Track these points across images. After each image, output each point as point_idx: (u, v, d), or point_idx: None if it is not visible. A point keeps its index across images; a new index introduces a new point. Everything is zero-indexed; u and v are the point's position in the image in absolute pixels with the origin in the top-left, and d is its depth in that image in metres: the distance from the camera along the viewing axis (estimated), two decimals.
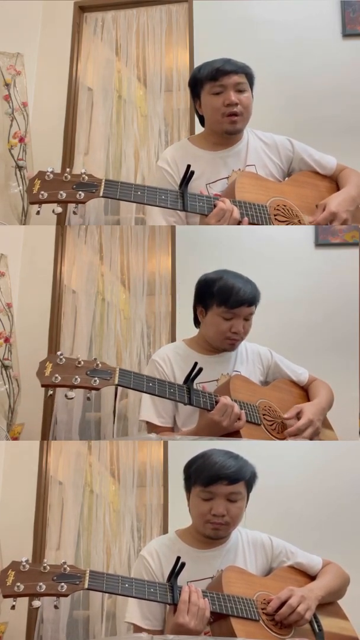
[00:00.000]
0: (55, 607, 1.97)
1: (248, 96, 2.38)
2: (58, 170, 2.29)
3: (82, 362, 2.15)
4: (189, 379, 2.22)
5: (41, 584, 1.92)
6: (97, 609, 2.74)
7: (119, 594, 2.02)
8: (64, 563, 1.96)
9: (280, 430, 2.31)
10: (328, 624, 2.16)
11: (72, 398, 2.17)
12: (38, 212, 2.27)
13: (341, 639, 2.18)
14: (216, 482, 2.12)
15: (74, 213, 2.34)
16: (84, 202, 2.27)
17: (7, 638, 2.64)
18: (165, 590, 2.02)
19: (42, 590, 1.92)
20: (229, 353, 2.39)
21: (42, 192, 2.25)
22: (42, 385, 2.13)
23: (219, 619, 2.04)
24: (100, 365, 2.16)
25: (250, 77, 2.39)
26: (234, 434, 2.22)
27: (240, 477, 2.14)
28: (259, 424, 2.27)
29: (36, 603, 1.97)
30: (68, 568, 1.95)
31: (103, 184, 2.28)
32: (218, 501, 2.12)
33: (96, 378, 2.13)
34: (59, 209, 2.28)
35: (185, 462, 2.20)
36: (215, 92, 2.36)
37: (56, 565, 1.96)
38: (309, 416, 2.30)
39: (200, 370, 2.22)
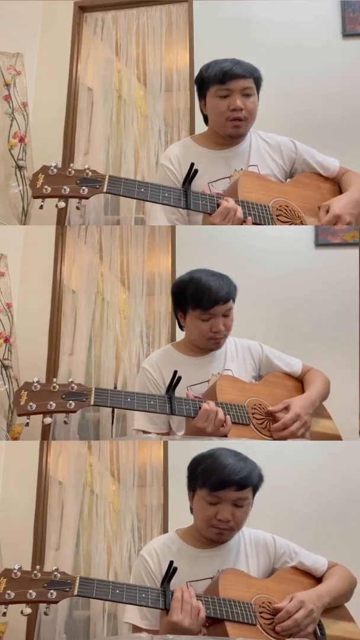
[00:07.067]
0: (45, 613, 2.01)
1: (254, 101, 2.37)
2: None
3: (57, 387, 2.15)
4: (170, 387, 2.22)
5: (31, 591, 1.95)
6: (98, 609, 2.74)
7: (109, 600, 2.03)
8: (55, 569, 1.98)
9: (271, 427, 2.30)
10: (332, 627, 2.12)
11: (49, 424, 2.17)
12: (41, 207, 2.28)
13: None
14: (225, 488, 2.08)
15: (77, 208, 2.33)
16: (87, 198, 2.27)
17: (7, 638, 2.64)
18: (157, 596, 2.01)
19: (32, 598, 1.95)
20: (218, 352, 2.38)
21: (46, 187, 2.25)
22: (19, 415, 2.14)
23: (214, 623, 2.01)
24: (75, 387, 2.16)
25: (257, 81, 2.38)
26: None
27: (249, 482, 2.10)
28: (247, 424, 2.26)
29: (27, 610, 1.99)
30: (59, 575, 1.97)
31: (107, 180, 2.29)
32: (224, 506, 2.09)
33: (71, 401, 2.14)
34: (62, 204, 2.28)
35: (190, 460, 2.17)
36: (221, 95, 2.35)
37: (47, 572, 1.98)
38: (296, 410, 2.28)
39: (179, 379, 2.21)
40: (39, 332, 2.98)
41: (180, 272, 2.99)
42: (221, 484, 2.08)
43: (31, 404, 2.11)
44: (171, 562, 2.03)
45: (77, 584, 1.98)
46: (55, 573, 1.97)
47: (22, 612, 1.98)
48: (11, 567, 2.00)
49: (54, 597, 1.95)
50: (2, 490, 2.86)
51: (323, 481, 2.83)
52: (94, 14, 3.22)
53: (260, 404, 2.31)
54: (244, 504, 2.11)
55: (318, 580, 2.19)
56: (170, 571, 2.02)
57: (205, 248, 2.92)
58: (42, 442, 2.87)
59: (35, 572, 1.97)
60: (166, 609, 1.99)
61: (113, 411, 2.91)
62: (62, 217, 3.00)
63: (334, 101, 3.05)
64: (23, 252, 3.06)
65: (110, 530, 2.83)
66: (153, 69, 3.15)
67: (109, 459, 2.92)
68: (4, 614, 1.95)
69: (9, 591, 1.94)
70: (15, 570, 1.97)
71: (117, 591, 1.99)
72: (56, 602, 1.97)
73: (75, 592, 1.97)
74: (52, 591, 1.95)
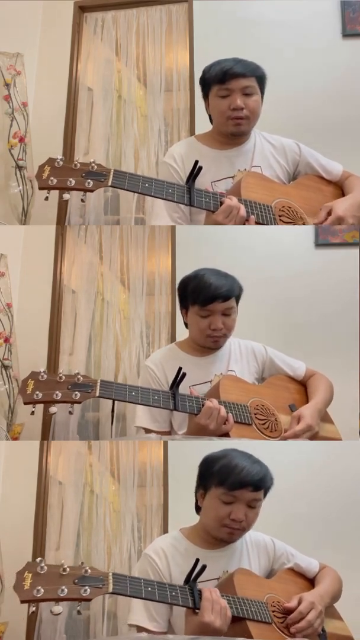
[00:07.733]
0: (78, 612, 1.84)
1: (256, 99, 2.37)
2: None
3: (64, 377, 2.17)
4: (174, 384, 2.23)
5: (63, 587, 1.79)
6: (98, 608, 2.74)
7: (142, 598, 1.95)
8: (83, 563, 1.86)
9: (273, 428, 2.31)
10: (328, 625, 2.16)
11: (54, 413, 2.18)
12: (46, 198, 2.28)
13: (338, 638, 2.18)
14: (242, 487, 2.09)
15: (82, 201, 2.35)
16: (92, 191, 2.28)
17: (7, 638, 2.64)
18: (186, 594, 1.97)
19: (64, 595, 1.78)
20: (222, 353, 2.39)
21: (52, 178, 2.26)
22: (25, 403, 2.16)
23: (232, 622, 1.99)
24: (81, 378, 2.17)
25: (260, 79, 2.38)
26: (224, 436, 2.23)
27: (264, 484, 2.12)
28: (249, 424, 2.27)
29: (57, 609, 1.81)
30: (89, 570, 1.84)
31: (112, 173, 2.30)
32: (239, 506, 2.09)
33: (77, 392, 2.15)
34: (67, 195, 2.29)
35: (202, 458, 2.17)
36: (222, 95, 2.36)
37: (76, 567, 1.84)
38: (308, 421, 2.30)
39: (184, 375, 2.22)
40: (39, 332, 2.98)
41: (180, 272, 2.99)
42: (239, 483, 2.08)
43: (37, 392, 2.13)
44: (197, 560, 2.00)
45: (112, 581, 1.84)
46: (86, 568, 1.83)
47: (52, 612, 1.79)
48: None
49: (87, 594, 1.78)
50: (2, 490, 2.86)
51: (323, 481, 2.83)
52: (94, 14, 3.22)
53: (262, 405, 2.32)
54: (256, 505, 2.12)
55: (310, 581, 2.24)
56: (198, 569, 1.99)
57: (206, 248, 2.92)
58: (42, 442, 2.87)
59: (64, 566, 1.81)
60: (196, 608, 1.95)
61: (113, 411, 2.91)
62: (62, 217, 3.00)
63: (334, 101, 3.05)
64: (23, 252, 3.06)
65: (110, 530, 2.83)
66: (153, 69, 3.15)
67: (109, 459, 2.92)
68: (33, 613, 1.80)
69: (38, 587, 1.75)
70: (42, 565, 1.81)
71: (149, 589, 1.92)
72: (89, 600, 1.79)
73: (111, 589, 1.83)
74: (85, 587, 1.78)
